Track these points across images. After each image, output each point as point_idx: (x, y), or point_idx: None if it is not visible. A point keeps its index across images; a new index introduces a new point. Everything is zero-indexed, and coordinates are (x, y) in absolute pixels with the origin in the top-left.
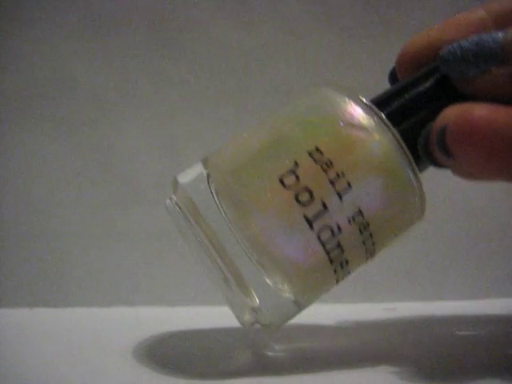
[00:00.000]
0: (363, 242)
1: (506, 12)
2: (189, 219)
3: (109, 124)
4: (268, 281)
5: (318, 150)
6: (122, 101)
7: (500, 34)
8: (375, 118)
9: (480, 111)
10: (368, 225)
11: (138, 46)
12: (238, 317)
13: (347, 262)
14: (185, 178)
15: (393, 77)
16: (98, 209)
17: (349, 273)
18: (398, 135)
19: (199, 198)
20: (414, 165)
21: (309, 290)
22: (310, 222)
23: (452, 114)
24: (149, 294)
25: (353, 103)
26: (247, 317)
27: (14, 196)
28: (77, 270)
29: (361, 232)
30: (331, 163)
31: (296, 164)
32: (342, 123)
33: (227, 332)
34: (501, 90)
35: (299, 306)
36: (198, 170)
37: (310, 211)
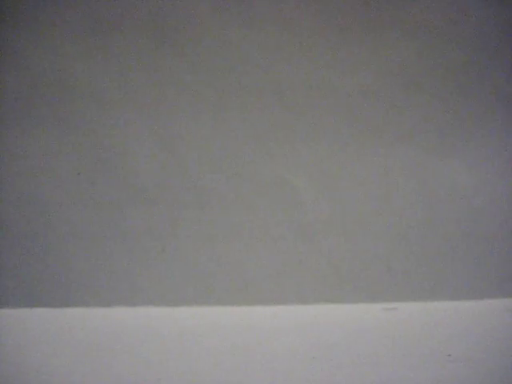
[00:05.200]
0: None
1: None
2: None
3: (109, 124)
4: None
5: None
6: (122, 101)
7: None
8: None
9: None
10: None
11: (138, 46)
12: None
13: None
14: None
15: None
16: (98, 209)
17: None
18: None
19: None
20: None
21: None
22: None
23: None
24: (149, 294)
25: None
26: None
27: (14, 196)
28: (77, 270)
29: None
30: None
31: None
32: None
33: (224, 331)
34: None
35: None
36: None
37: None
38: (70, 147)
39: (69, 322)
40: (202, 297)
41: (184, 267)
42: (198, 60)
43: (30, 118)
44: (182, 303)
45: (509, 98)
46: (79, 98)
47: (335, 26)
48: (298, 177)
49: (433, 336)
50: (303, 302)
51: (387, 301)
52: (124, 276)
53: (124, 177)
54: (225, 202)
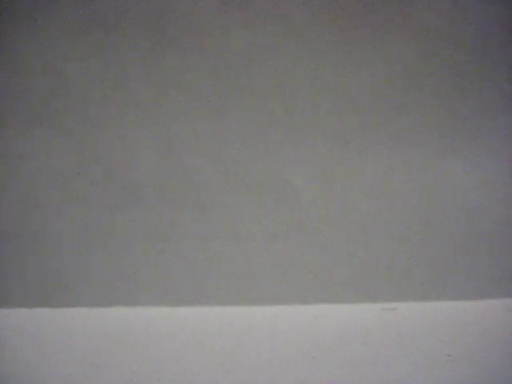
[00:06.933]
0: None
1: None
2: None
3: (109, 124)
4: None
5: None
6: (122, 101)
7: None
8: None
9: None
10: None
11: (138, 46)
12: None
13: None
14: None
15: None
16: (98, 209)
17: None
18: None
19: None
20: None
21: None
22: None
23: None
24: (149, 294)
25: None
26: None
27: (13, 196)
28: (76, 270)
29: None
30: None
31: None
32: None
33: (223, 331)
34: None
35: None
36: None
37: None
38: (70, 147)
39: (69, 322)
40: (201, 297)
41: (183, 267)
42: (198, 60)
43: (29, 118)
44: (182, 303)
45: (509, 97)
46: (79, 97)
47: (336, 26)
48: (298, 177)
49: (433, 336)
50: (303, 302)
51: (387, 301)
52: (124, 276)
53: (124, 177)
54: (224, 202)
